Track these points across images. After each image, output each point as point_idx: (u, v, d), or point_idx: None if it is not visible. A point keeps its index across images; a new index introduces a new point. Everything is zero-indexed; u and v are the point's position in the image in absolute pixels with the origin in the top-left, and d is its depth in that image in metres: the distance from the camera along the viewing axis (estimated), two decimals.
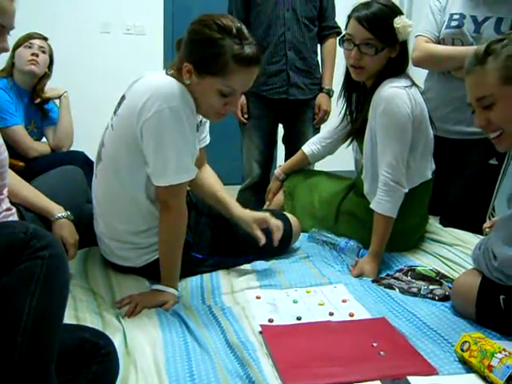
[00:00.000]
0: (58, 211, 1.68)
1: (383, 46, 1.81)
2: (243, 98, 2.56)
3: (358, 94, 2.02)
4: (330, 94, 2.65)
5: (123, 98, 1.58)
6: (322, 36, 2.66)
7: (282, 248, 1.92)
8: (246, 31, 1.48)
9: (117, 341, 1.25)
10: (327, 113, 2.66)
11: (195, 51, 1.47)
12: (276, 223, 1.80)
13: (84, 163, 2.35)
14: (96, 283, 1.63)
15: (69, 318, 1.37)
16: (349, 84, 2.01)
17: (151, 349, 1.27)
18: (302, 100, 2.61)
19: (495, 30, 2.13)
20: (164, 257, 1.56)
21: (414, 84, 1.86)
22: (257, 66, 1.49)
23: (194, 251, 1.70)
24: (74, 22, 4.04)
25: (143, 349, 1.26)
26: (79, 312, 1.43)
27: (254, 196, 2.68)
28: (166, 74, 1.55)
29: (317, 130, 2.67)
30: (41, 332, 0.92)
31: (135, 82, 1.58)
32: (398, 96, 1.78)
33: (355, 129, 2.02)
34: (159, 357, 1.24)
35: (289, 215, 1.98)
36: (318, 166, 2.57)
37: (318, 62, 2.68)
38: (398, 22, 1.78)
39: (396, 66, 1.85)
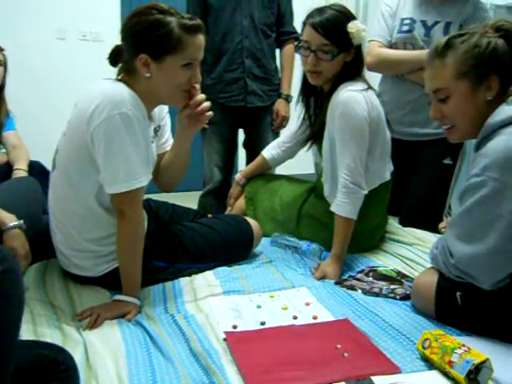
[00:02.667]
0: (10, 220, 1.61)
1: (339, 51, 1.83)
2: None
3: (316, 98, 2.04)
4: (288, 99, 2.66)
5: (76, 104, 1.56)
6: (281, 41, 2.66)
7: (244, 253, 1.92)
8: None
9: (78, 354, 1.22)
10: (286, 119, 2.67)
11: (145, 39, 1.49)
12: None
13: (40, 173, 2.28)
14: (55, 296, 1.59)
15: (28, 334, 1.34)
16: (306, 89, 2.03)
17: (113, 360, 1.25)
18: (260, 107, 2.61)
19: (444, 34, 2.18)
20: (123, 266, 1.54)
21: (370, 87, 1.89)
22: (203, 34, 1.55)
23: (155, 259, 1.68)
24: (28, 28, 3.94)
25: (105, 361, 1.24)
26: (38, 327, 1.40)
27: (215, 201, 2.67)
28: (116, 80, 1.54)
29: (276, 135, 2.68)
30: None
31: (87, 88, 1.56)
32: (355, 99, 1.80)
33: (314, 132, 2.04)
34: (122, 368, 1.21)
35: (250, 220, 1.97)
36: (279, 170, 2.58)
37: (276, 67, 2.69)
38: (352, 26, 1.81)
39: (352, 70, 1.88)
